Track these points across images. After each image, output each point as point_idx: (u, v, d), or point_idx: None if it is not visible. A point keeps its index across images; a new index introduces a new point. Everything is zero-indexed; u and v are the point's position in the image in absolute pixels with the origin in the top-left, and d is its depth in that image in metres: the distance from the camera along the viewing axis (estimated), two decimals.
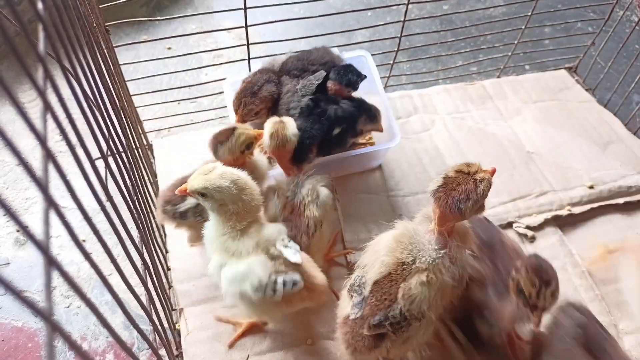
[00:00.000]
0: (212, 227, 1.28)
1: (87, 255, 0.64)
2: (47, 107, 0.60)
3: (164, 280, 1.47)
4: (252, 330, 1.47)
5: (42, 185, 0.52)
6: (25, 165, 0.48)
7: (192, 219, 1.42)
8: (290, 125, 1.44)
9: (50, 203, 0.53)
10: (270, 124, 1.43)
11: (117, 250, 1.53)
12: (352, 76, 1.61)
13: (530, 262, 1.17)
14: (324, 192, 1.44)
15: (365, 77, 1.65)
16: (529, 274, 1.14)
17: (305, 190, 1.42)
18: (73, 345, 0.52)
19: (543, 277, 1.13)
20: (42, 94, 0.59)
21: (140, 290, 1.03)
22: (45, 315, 0.46)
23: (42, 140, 0.55)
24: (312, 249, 1.40)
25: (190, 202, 1.39)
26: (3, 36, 0.53)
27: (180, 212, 1.41)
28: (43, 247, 0.48)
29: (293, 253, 1.26)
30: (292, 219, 1.39)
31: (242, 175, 1.23)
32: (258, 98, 1.57)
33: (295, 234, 1.37)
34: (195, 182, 1.20)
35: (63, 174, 0.60)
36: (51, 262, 0.50)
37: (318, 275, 1.31)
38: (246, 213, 1.22)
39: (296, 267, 1.26)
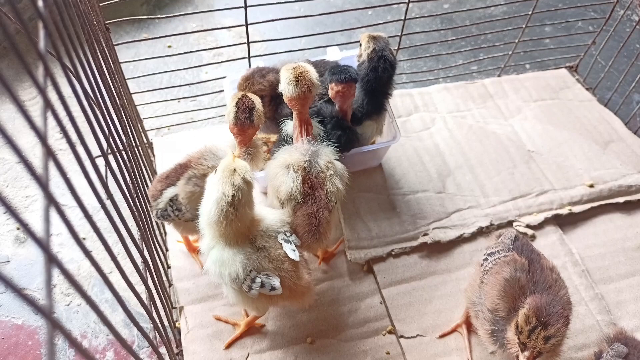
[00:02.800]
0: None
1: (87, 253, 0.64)
2: (48, 105, 0.60)
3: (164, 278, 1.47)
4: (251, 330, 1.47)
5: (43, 183, 0.52)
6: (25, 163, 0.48)
7: (173, 216, 1.40)
8: (310, 68, 1.37)
9: (51, 200, 0.53)
10: (288, 69, 1.35)
11: (117, 249, 1.54)
12: (351, 69, 1.49)
13: (536, 300, 1.14)
14: (338, 164, 1.39)
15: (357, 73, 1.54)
16: (529, 311, 1.12)
17: (323, 162, 1.35)
18: (74, 343, 0.52)
19: (542, 317, 1.11)
20: (42, 92, 0.59)
21: (140, 288, 1.03)
22: (45, 312, 0.46)
23: (42, 137, 0.55)
24: (331, 225, 1.37)
25: (167, 196, 1.38)
26: (4, 34, 0.53)
27: (160, 210, 1.39)
28: (43, 245, 0.48)
29: (292, 249, 1.25)
30: (311, 193, 1.33)
31: (249, 187, 1.17)
32: (266, 80, 1.54)
33: (315, 210, 1.31)
34: (222, 162, 1.18)
35: (63, 172, 0.60)
36: (51, 260, 0.50)
37: (304, 277, 1.27)
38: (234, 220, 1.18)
39: (280, 264, 1.23)
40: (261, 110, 1.38)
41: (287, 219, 1.31)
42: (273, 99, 1.57)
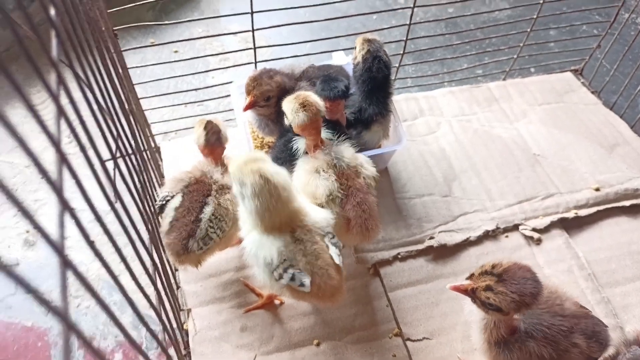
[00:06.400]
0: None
1: (99, 255, 0.65)
2: (61, 112, 0.61)
3: (172, 280, 1.49)
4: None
5: (57, 188, 0.53)
6: (39, 167, 0.50)
7: (215, 237, 1.38)
8: (310, 92, 1.39)
9: (66, 207, 0.54)
10: (290, 100, 1.35)
11: (126, 252, 1.55)
12: (339, 84, 1.51)
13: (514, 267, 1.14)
14: (360, 155, 1.42)
15: (348, 82, 1.56)
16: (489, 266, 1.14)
17: (347, 157, 1.38)
18: (87, 344, 0.53)
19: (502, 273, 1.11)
20: (55, 99, 0.61)
21: (149, 290, 1.04)
22: (61, 314, 0.47)
23: (56, 143, 0.56)
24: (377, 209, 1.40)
25: (205, 218, 1.36)
26: (18, 42, 0.54)
27: (201, 239, 1.37)
28: (59, 249, 0.50)
29: (337, 254, 1.24)
30: (351, 184, 1.35)
31: (280, 179, 1.16)
32: (274, 81, 1.56)
33: (363, 197, 1.35)
34: (232, 164, 1.20)
35: (76, 177, 0.61)
36: (66, 264, 0.51)
37: (335, 277, 1.24)
38: (267, 215, 1.18)
39: (313, 260, 1.21)
40: (226, 133, 1.48)
41: (331, 219, 1.29)
42: (279, 100, 1.58)
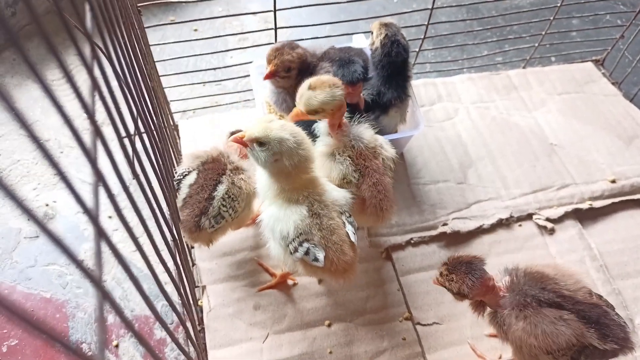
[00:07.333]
0: (264, 177, 1.27)
1: (126, 225, 0.67)
2: (95, 84, 0.62)
3: (188, 257, 1.51)
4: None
5: (92, 159, 0.54)
6: (76, 136, 0.51)
7: (227, 216, 1.39)
8: (330, 75, 1.41)
9: (99, 177, 0.56)
10: (316, 91, 1.30)
11: (141, 229, 1.58)
12: (357, 67, 1.52)
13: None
14: (379, 136, 1.43)
15: (365, 66, 1.56)
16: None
17: (366, 138, 1.38)
18: (118, 311, 0.55)
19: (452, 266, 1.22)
20: (89, 71, 0.62)
21: (163, 267, 1.06)
22: (95, 280, 0.49)
23: (90, 114, 0.58)
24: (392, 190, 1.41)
25: (218, 195, 1.37)
26: (59, 14, 0.55)
27: (213, 217, 1.37)
28: (94, 218, 0.51)
29: (353, 232, 1.25)
30: (368, 165, 1.36)
31: (299, 129, 1.20)
32: (296, 52, 1.56)
33: (378, 178, 1.35)
34: (256, 130, 1.17)
35: (108, 149, 0.63)
36: (101, 233, 0.53)
37: (348, 253, 1.24)
38: (299, 171, 1.20)
39: (328, 235, 1.22)
40: None
41: (350, 198, 1.30)
42: (300, 72, 1.58)
